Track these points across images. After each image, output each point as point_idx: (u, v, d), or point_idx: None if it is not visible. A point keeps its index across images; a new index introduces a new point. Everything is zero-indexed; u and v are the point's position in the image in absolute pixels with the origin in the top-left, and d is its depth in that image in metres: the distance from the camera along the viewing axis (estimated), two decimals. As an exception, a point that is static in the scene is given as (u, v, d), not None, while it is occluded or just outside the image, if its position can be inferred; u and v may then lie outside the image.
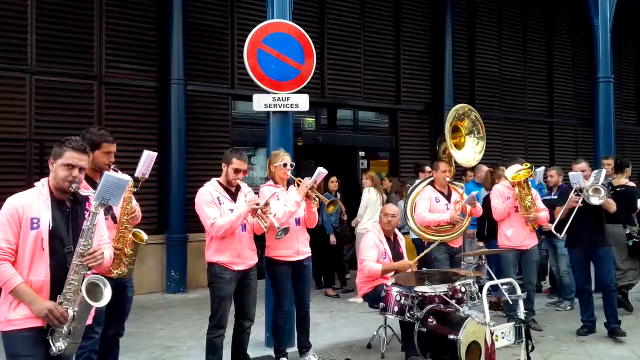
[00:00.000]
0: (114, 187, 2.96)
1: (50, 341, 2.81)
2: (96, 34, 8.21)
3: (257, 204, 4.31)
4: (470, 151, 6.38)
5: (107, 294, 2.87)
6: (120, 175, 3.42)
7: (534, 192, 6.27)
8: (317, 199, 4.92)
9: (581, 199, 5.76)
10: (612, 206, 5.89)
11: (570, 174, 6.01)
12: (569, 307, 7.14)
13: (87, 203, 3.02)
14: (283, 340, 5.13)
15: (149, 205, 7.96)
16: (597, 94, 8.81)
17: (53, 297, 2.83)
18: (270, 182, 5.04)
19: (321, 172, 4.87)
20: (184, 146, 8.61)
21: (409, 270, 5.41)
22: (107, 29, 8.29)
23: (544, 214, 6.13)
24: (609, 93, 8.76)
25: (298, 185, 4.93)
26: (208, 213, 4.32)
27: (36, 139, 7.65)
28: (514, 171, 6.07)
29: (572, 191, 5.89)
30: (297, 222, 4.98)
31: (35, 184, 2.99)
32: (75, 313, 2.82)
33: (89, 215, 2.91)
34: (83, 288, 2.81)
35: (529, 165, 6.09)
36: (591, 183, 5.76)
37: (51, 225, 2.84)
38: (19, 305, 2.79)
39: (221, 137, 9.07)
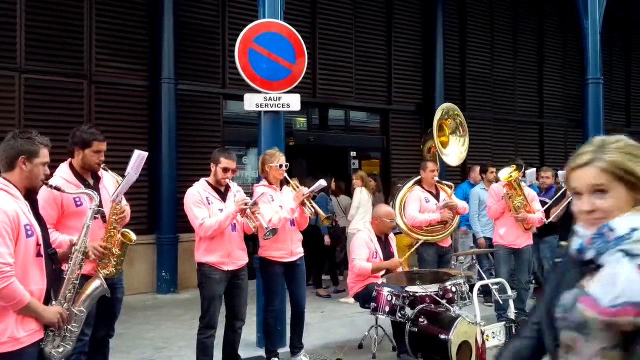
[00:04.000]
0: (140, 162, 3.23)
1: (47, 349, 2.72)
2: (86, 32, 8.14)
3: (246, 204, 4.29)
4: (455, 149, 6.44)
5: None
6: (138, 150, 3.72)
7: (532, 193, 6.28)
8: (313, 209, 4.89)
9: None
10: None
11: None
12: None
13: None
14: (274, 340, 5.11)
15: (139, 205, 7.91)
16: (586, 95, 8.86)
17: (46, 302, 2.72)
18: (264, 181, 5.01)
19: (321, 184, 4.92)
20: (175, 146, 8.55)
21: (400, 269, 5.43)
22: (97, 27, 8.22)
23: (536, 215, 6.11)
24: (599, 94, 8.81)
25: (294, 189, 4.91)
26: (196, 213, 4.30)
27: (25, 138, 7.57)
28: (507, 173, 6.10)
29: None
30: (292, 222, 4.97)
31: None
32: (82, 309, 2.86)
33: (93, 207, 3.07)
34: (102, 274, 3.01)
35: (515, 166, 6.10)
36: None
37: (39, 229, 2.70)
38: (24, 321, 2.60)
39: (212, 137, 9.02)
